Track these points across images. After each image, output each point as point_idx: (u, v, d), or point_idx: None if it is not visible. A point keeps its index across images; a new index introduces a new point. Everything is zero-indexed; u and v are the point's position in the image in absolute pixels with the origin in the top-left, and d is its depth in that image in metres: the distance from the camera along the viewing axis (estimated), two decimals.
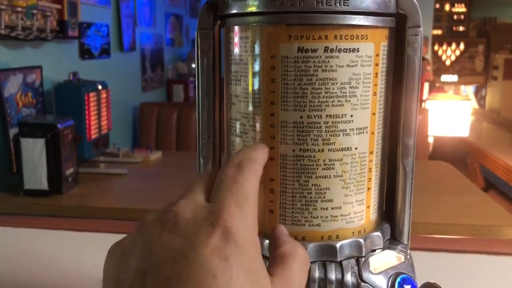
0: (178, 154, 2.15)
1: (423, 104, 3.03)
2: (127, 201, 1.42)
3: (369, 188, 0.34)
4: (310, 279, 0.32)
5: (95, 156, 1.71)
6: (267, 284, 0.24)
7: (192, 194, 0.26)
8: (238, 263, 0.22)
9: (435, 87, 4.02)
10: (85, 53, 1.98)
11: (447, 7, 5.00)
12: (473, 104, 4.03)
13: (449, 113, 2.93)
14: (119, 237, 0.77)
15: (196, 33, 0.36)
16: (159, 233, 0.24)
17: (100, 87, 1.72)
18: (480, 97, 4.36)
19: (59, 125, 1.33)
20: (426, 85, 3.78)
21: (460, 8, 5.00)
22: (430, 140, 3.04)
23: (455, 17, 5.02)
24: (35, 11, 1.48)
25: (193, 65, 3.20)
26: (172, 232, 0.23)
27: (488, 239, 1.05)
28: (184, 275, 0.22)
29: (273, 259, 0.26)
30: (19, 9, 1.40)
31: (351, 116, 0.32)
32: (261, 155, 0.29)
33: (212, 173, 0.28)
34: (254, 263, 0.23)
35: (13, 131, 1.37)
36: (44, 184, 1.33)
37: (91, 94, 1.65)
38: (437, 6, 4.79)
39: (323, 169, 0.32)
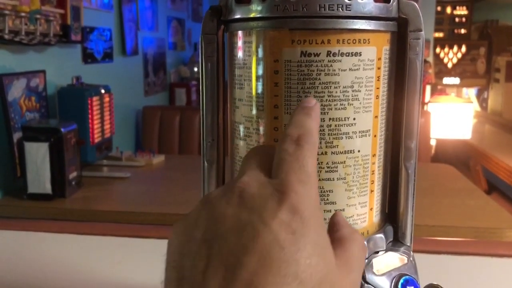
0: (180, 157, 2.15)
1: (425, 106, 3.03)
2: (130, 205, 1.42)
3: (372, 191, 0.35)
4: None
5: (98, 159, 1.72)
6: (332, 259, 0.24)
7: (252, 171, 0.26)
8: (305, 236, 0.23)
9: (437, 90, 4.02)
10: (88, 57, 1.99)
11: (448, 9, 5.00)
12: (475, 106, 4.03)
13: (451, 115, 2.93)
14: (123, 240, 0.77)
15: (200, 38, 0.36)
16: (224, 206, 0.24)
17: (103, 91, 1.72)
18: (482, 100, 4.35)
19: (62, 129, 1.34)
20: (428, 88, 3.78)
21: (462, 11, 5.00)
22: (433, 142, 3.04)
23: (456, 19, 5.02)
24: (38, 16, 1.49)
25: (195, 69, 3.21)
26: (239, 205, 0.24)
27: (491, 241, 1.05)
28: (251, 245, 0.22)
29: (331, 242, 0.26)
30: (23, 14, 1.41)
31: (354, 119, 0.32)
32: (316, 123, 0.28)
33: (268, 149, 0.28)
34: (320, 237, 0.24)
35: (17, 135, 1.38)
36: (47, 188, 1.33)
37: (94, 98, 1.66)
38: (439, 9, 4.80)
39: (326, 171, 0.32)
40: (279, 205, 0.23)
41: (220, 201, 0.24)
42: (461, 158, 3.10)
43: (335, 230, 0.27)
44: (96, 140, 1.68)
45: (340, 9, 0.31)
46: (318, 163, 0.32)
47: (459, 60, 4.54)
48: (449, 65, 4.55)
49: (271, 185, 0.24)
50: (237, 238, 0.22)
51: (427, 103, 3.08)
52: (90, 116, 1.63)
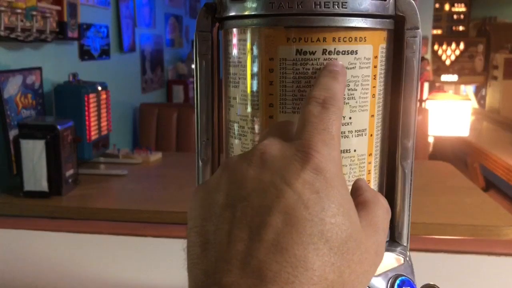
0: (178, 155, 2.15)
1: (423, 104, 3.03)
2: (127, 202, 1.42)
3: None
4: None
5: (95, 157, 1.72)
6: (357, 219, 0.24)
7: (273, 135, 0.26)
8: (329, 196, 0.22)
9: (435, 87, 4.02)
10: (84, 54, 1.98)
11: (447, 6, 5.00)
12: (473, 104, 4.03)
13: (449, 113, 2.93)
14: (119, 238, 0.77)
15: (194, 35, 0.36)
16: (246, 168, 0.24)
17: (100, 88, 1.72)
18: (480, 97, 4.36)
19: (59, 127, 1.33)
20: (426, 85, 3.78)
21: (460, 8, 5.00)
22: (430, 140, 3.04)
23: (455, 16, 5.02)
24: (34, 13, 1.48)
25: (193, 66, 3.19)
26: (260, 167, 0.23)
27: (488, 240, 1.05)
28: (275, 205, 0.22)
29: (355, 206, 0.26)
30: (19, 10, 1.40)
31: (350, 118, 0.32)
32: (343, 87, 0.28)
33: (288, 123, 0.28)
34: (344, 197, 0.23)
35: (13, 133, 1.37)
36: (44, 186, 1.33)
37: (91, 95, 1.65)
38: (437, 5, 4.79)
39: None
40: (302, 165, 0.23)
41: (241, 164, 0.24)
42: (459, 156, 3.10)
43: (358, 195, 0.27)
44: (93, 138, 1.67)
45: (336, 6, 0.30)
46: None
47: (457, 57, 4.54)
48: (447, 62, 4.56)
49: (293, 145, 0.24)
50: (261, 199, 0.22)
51: (425, 101, 3.08)
52: (86, 113, 1.62)
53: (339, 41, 0.31)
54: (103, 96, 1.74)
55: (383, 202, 0.27)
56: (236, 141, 0.35)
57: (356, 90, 0.32)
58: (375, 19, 0.32)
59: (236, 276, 0.21)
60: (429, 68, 4.12)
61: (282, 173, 0.23)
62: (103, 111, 1.75)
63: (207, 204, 0.24)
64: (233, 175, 0.24)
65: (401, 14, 0.33)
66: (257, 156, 0.24)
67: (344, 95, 0.32)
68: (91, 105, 1.65)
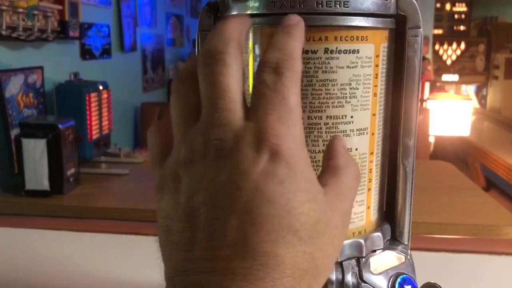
0: None
1: (424, 103, 3.03)
2: (128, 201, 1.42)
3: (369, 189, 0.34)
4: None
5: (96, 156, 1.72)
6: (323, 199, 0.23)
7: (226, 113, 0.22)
8: (294, 183, 0.21)
9: (436, 87, 4.01)
10: (86, 53, 1.99)
11: (448, 6, 4.99)
12: (474, 103, 4.03)
13: (450, 112, 2.93)
14: (120, 237, 0.77)
15: (196, 34, 0.36)
16: (203, 170, 0.22)
17: (101, 87, 1.72)
18: (481, 97, 4.35)
19: (60, 126, 1.34)
20: (427, 85, 3.78)
21: (461, 8, 5.00)
22: (431, 139, 3.04)
23: (456, 16, 5.02)
24: (36, 12, 1.48)
25: None
26: (218, 167, 0.22)
27: (489, 239, 1.05)
28: (240, 205, 0.21)
29: (326, 169, 0.25)
30: (20, 10, 1.41)
31: (351, 117, 0.32)
32: (299, 44, 0.24)
33: (236, 73, 0.24)
34: (308, 180, 0.22)
35: (14, 132, 1.37)
36: (45, 185, 1.33)
37: (92, 95, 1.65)
38: (438, 5, 4.79)
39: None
40: (258, 153, 0.21)
41: (199, 164, 0.22)
42: (460, 155, 3.10)
43: (330, 157, 0.25)
44: (94, 137, 1.68)
45: (337, 5, 0.30)
46: (315, 162, 0.32)
47: (458, 57, 4.54)
48: (448, 62, 4.55)
49: (248, 131, 0.22)
50: (222, 200, 0.21)
51: (425, 100, 3.08)
52: (88, 112, 1.63)
53: (341, 40, 0.31)
54: (104, 95, 1.75)
55: (355, 168, 0.25)
56: None
57: (357, 89, 0.32)
58: (376, 18, 0.32)
59: (205, 275, 0.20)
60: (430, 67, 4.12)
61: (240, 168, 0.21)
62: (104, 110, 1.75)
63: (171, 204, 0.23)
64: (193, 175, 0.22)
65: (403, 14, 0.34)
66: (212, 154, 0.22)
67: (346, 94, 0.32)
68: (93, 104, 1.65)
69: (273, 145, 0.21)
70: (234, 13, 0.34)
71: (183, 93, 0.25)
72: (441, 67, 4.53)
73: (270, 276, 0.20)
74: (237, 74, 0.24)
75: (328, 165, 0.25)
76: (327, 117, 0.32)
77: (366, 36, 0.32)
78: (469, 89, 4.52)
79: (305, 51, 0.31)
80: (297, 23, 0.25)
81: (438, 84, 4.21)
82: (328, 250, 0.22)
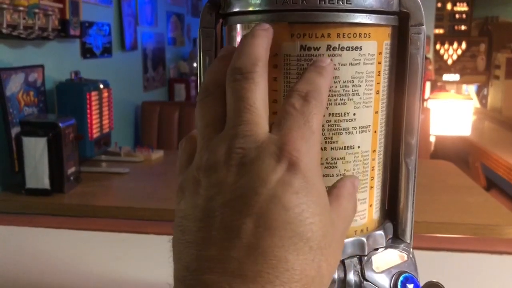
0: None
1: (424, 103, 3.03)
2: (129, 200, 1.42)
3: (371, 187, 0.34)
4: None
5: (97, 155, 1.72)
6: (331, 216, 0.25)
7: (251, 126, 0.24)
8: (308, 196, 0.23)
9: (436, 86, 4.01)
10: (86, 52, 1.99)
11: (449, 6, 4.99)
12: (475, 103, 4.03)
13: (451, 112, 2.92)
14: (121, 235, 0.77)
15: (198, 31, 0.36)
16: (225, 174, 0.23)
17: (101, 86, 1.72)
18: (482, 96, 4.35)
19: (61, 124, 1.34)
20: (428, 84, 3.78)
21: (462, 7, 4.99)
22: (432, 139, 3.04)
23: (457, 16, 5.01)
24: (37, 10, 1.48)
25: (195, 64, 3.20)
26: (239, 173, 0.23)
27: (490, 238, 1.05)
28: (256, 209, 0.22)
29: (329, 194, 0.26)
30: (21, 8, 1.40)
31: (354, 114, 0.32)
32: (327, 82, 0.27)
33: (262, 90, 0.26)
34: (321, 196, 0.24)
35: (15, 130, 1.37)
36: (46, 183, 1.33)
37: (93, 93, 1.65)
38: (439, 5, 4.79)
39: (325, 167, 0.32)
40: (280, 165, 0.23)
41: (221, 170, 0.24)
42: (461, 155, 3.10)
43: (337, 186, 0.28)
44: (95, 135, 1.68)
45: (340, 2, 0.30)
46: None
47: (459, 57, 4.53)
48: (449, 62, 4.55)
49: (271, 142, 0.24)
50: (241, 204, 0.22)
51: (426, 100, 3.08)
52: (88, 111, 1.62)
53: (343, 37, 0.31)
54: (105, 94, 1.75)
55: (354, 203, 0.28)
56: None
57: (360, 86, 0.32)
58: (379, 15, 0.32)
59: (216, 274, 0.21)
60: (431, 67, 4.12)
61: (261, 176, 0.23)
62: (105, 109, 1.75)
63: (190, 205, 0.24)
64: (213, 179, 0.24)
65: (406, 11, 0.33)
66: (235, 161, 0.23)
67: (348, 91, 0.32)
68: (93, 103, 1.65)
69: (293, 158, 0.23)
70: (236, 9, 0.33)
71: (208, 104, 0.27)
72: (442, 67, 4.53)
73: (279, 279, 0.21)
74: (264, 92, 0.26)
75: (332, 192, 0.27)
76: (329, 114, 0.31)
77: (369, 33, 0.32)
78: (470, 89, 4.52)
79: (308, 48, 0.31)
80: (328, 65, 0.28)
81: (439, 83, 4.20)
82: (331, 261, 0.24)
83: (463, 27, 5.00)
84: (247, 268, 0.21)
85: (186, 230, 0.23)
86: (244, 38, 0.28)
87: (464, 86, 4.54)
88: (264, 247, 0.21)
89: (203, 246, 0.22)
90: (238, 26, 0.34)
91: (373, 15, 0.31)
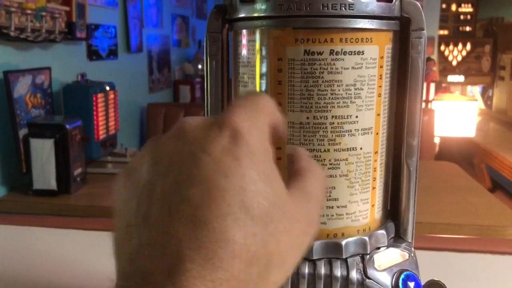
0: None
1: (429, 104, 3.03)
2: None
3: (374, 187, 0.35)
4: (316, 276, 0.33)
5: (103, 156, 1.73)
6: (281, 187, 0.22)
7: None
8: (251, 163, 0.21)
9: (441, 88, 4.01)
10: (93, 54, 2.00)
11: (453, 7, 4.98)
12: (480, 104, 4.02)
13: (456, 113, 2.92)
14: None
15: (205, 36, 0.37)
16: (164, 142, 0.22)
17: (107, 88, 1.73)
18: (487, 98, 4.34)
19: (67, 126, 1.35)
20: (432, 86, 3.77)
21: (467, 8, 4.98)
22: (436, 140, 3.04)
23: (461, 17, 5.00)
24: (44, 13, 1.50)
25: (200, 66, 3.21)
26: (179, 138, 0.22)
27: (494, 239, 1.06)
28: (194, 175, 0.20)
29: (289, 174, 0.25)
30: (29, 11, 1.42)
31: (356, 117, 0.33)
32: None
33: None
34: (267, 166, 0.22)
35: (22, 132, 1.39)
36: (52, 184, 1.34)
37: (99, 95, 1.67)
38: (444, 6, 4.78)
39: (328, 168, 0.33)
40: (220, 130, 0.21)
41: (161, 139, 0.23)
42: (465, 157, 3.09)
43: (293, 162, 0.26)
44: (101, 137, 1.69)
45: (343, 8, 0.31)
46: (321, 160, 0.33)
47: (463, 58, 4.52)
48: (454, 63, 4.54)
49: (214, 117, 0.23)
50: (179, 172, 0.21)
51: (431, 101, 3.07)
52: (95, 112, 1.64)
53: (346, 42, 0.32)
54: (111, 95, 1.76)
55: (317, 171, 0.25)
56: None
57: (362, 89, 0.33)
58: (381, 21, 0.33)
59: (155, 258, 0.19)
60: (435, 68, 4.11)
61: (201, 141, 0.21)
62: (111, 110, 1.76)
63: (129, 185, 0.22)
64: (154, 152, 0.22)
65: (407, 16, 0.34)
66: (177, 128, 0.22)
67: (351, 94, 0.32)
68: (99, 105, 1.66)
69: (236, 124, 0.21)
70: (242, 15, 0.34)
71: None
72: (446, 68, 4.52)
73: (218, 255, 0.19)
74: None
75: (291, 170, 0.25)
76: (332, 117, 0.32)
77: (371, 38, 0.33)
78: (475, 90, 4.50)
79: (311, 52, 0.32)
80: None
81: (443, 85, 4.20)
82: (285, 240, 0.21)
83: (467, 28, 4.99)
84: (186, 246, 0.19)
85: (125, 214, 0.22)
86: None
87: (469, 87, 4.52)
88: (203, 217, 0.19)
89: (143, 230, 0.20)
90: (244, 31, 0.35)
91: (375, 20, 0.32)
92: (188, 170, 0.20)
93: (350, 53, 0.32)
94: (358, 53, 0.32)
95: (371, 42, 0.33)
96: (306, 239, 0.23)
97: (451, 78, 4.43)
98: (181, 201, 0.20)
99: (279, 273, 0.21)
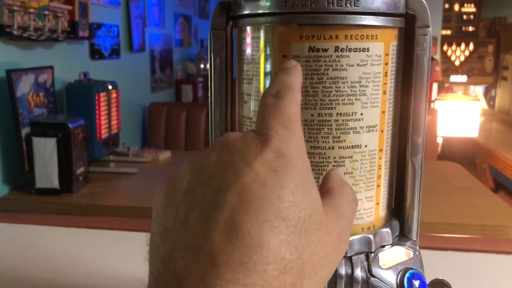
0: (187, 153, 2.16)
1: (432, 104, 3.02)
2: (137, 200, 1.43)
3: (378, 185, 0.35)
4: None
5: (105, 155, 1.73)
6: (318, 200, 0.23)
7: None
8: (288, 174, 0.22)
9: (444, 88, 4.00)
10: (95, 53, 2.00)
11: (456, 7, 4.97)
12: (483, 104, 4.01)
13: (458, 113, 2.91)
14: (129, 234, 0.78)
15: (209, 33, 0.36)
16: (208, 154, 0.23)
17: (110, 87, 1.73)
18: (489, 98, 4.33)
19: (70, 125, 1.35)
20: (435, 86, 3.76)
21: (470, 8, 4.97)
22: (439, 140, 3.03)
23: (464, 17, 4.99)
24: (47, 12, 1.50)
25: (202, 66, 3.21)
26: (221, 151, 0.23)
27: (497, 239, 1.05)
28: (233, 184, 0.21)
29: (321, 194, 0.25)
30: (32, 10, 1.42)
31: (361, 114, 0.33)
32: (297, 80, 0.27)
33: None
34: (305, 177, 0.23)
35: (25, 131, 1.39)
36: (55, 183, 1.34)
37: (102, 94, 1.67)
38: (447, 6, 4.77)
39: (333, 166, 0.33)
40: (262, 146, 0.22)
41: (204, 152, 0.24)
42: (468, 157, 3.09)
43: (324, 183, 0.26)
44: (103, 136, 1.69)
45: (348, 5, 0.31)
46: (325, 158, 0.33)
47: (466, 58, 4.51)
48: (457, 63, 4.53)
49: (253, 131, 0.24)
50: (219, 180, 0.22)
51: (434, 101, 3.07)
52: (97, 112, 1.64)
53: (351, 38, 0.32)
54: (114, 95, 1.76)
55: (348, 191, 0.26)
56: None
57: (367, 86, 0.33)
58: (386, 17, 0.33)
59: (189, 261, 0.20)
60: (438, 68, 4.10)
61: (242, 153, 0.22)
62: (113, 109, 1.76)
63: (170, 193, 0.23)
64: (196, 162, 0.23)
65: (412, 13, 0.34)
66: (219, 142, 0.24)
67: (356, 91, 0.32)
68: (102, 104, 1.66)
69: (275, 141, 0.23)
70: (246, 12, 0.34)
71: None
72: (449, 68, 4.51)
73: (252, 260, 0.20)
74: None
75: (322, 190, 0.26)
76: (337, 114, 0.32)
77: (376, 35, 0.32)
78: (478, 90, 4.49)
79: (316, 49, 0.32)
80: (294, 65, 0.28)
81: (446, 85, 4.19)
82: (318, 253, 0.22)
83: (470, 28, 4.98)
84: (220, 250, 0.20)
85: (163, 220, 0.23)
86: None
87: (472, 87, 4.51)
88: (239, 222, 0.20)
89: (179, 234, 0.21)
90: (248, 28, 0.35)
91: (380, 17, 0.32)
92: (228, 179, 0.21)
93: (355, 50, 0.32)
94: (363, 50, 0.32)
95: (376, 39, 0.32)
96: (338, 255, 0.23)
97: (453, 78, 4.42)
98: (218, 206, 0.21)
99: (311, 285, 0.22)
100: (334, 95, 0.32)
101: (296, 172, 0.22)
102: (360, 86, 0.32)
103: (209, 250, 0.20)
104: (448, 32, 4.93)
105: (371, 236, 0.34)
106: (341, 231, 0.24)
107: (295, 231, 0.21)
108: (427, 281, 0.35)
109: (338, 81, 0.32)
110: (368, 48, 0.32)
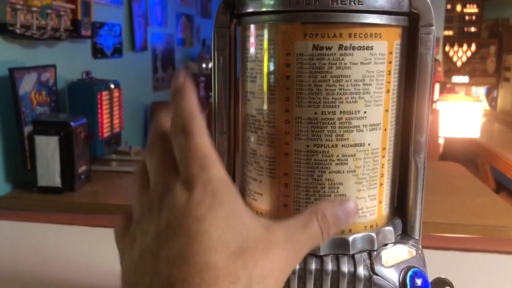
0: None
1: (433, 105, 3.02)
2: None
3: (381, 184, 0.35)
4: (323, 272, 0.33)
5: (107, 154, 1.73)
6: (254, 222, 0.26)
7: (161, 175, 0.28)
8: (220, 205, 0.25)
9: (446, 88, 3.99)
10: (97, 52, 2.00)
11: (458, 7, 4.96)
12: (484, 105, 4.00)
13: (460, 114, 2.91)
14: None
15: (213, 31, 0.36)
16: (149, 221, 0.27)
17: (112, 86, 1.73)
18: (491, 99, 4.32)
19: (72, 123, 1.35)
20: (437, 86, 3.76)
21: (472, 9, 4.97)
22: (441, 141, 3.03)
23: (466, 18, 4.99)
24: (49, 11, 1.50)
25: (204, 65, 3.21)
26: (159, 215, 0.26)
27: (499, 238, 1.05)
28: (175, 227, 0.25)
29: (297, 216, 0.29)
30: (34, 8, 1.42)
31: (365, 112, 0.33)
32: (193, 101, 0.28)
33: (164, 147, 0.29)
34: (235, 204, 0.26)
35: (27, 129, 1.39)
36: (57, 181, 1.34)
37: (104, 93, 1.67)
38: (449, 6, 4.76)
39: (336, 164, 0.33)
40: (190, 194, 0.25)
41: (146, 219, 0.27)
42: (469, 157, 3.08)
43: (308, 210, 0.29)
44: (105, 135, 1.69)
45: (352, 3, 0.31)
46: (328, 156, 0.33)
47: (468, 59, 4.50)
48: (459, 64, 4.52)
49: (178, 181, 0.26)
50: (166, 232, 0.25)
51: (435, 102, 3.06)
52: (99, 110, 1.64)
53: (355, 37, 0.32)
54: (116, 93, 1.76)
55: (315, 229, 0.28)
56: (253, 134, 0.36)
57: (371, 85, 0.33)
58: (390, 16, 0.33)
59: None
60: (440, 69, 4.10)
61: (177, 204, 0.25)
62: (116, 108, 1.76)
63: (123, 244, 0.30)
64: (143, 227, 0.27)
65: (416, 11, 0.34)
66: (155, 204, 0.27)
67: (359, 89, 0.32)
68: (104, 103, 1.67)
69: (199, 188, 0.25)
70: (250, 10, 0.34)
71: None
72: (451, 69, 4.50)
73: (204, 281, 0.23)
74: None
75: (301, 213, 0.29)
76: (340, 112, 0.32)
77: (380, 33, 0.32)
78: (480, 91, 4.49)
79: (320, 47, 0.32)
80: (183, 79, 0.29)
81: (448, 85, 4.18)
82: (262, 263, 0.25)
83: (473, 29, 4.97)
84: (175, 277, 0.23)
85: (134, 281, 0.26)
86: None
87: (474, 88, 4.51)
88: (188, 254, 0.24)
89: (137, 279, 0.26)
90: (252, 26, 0.35)
91: (384, 15, 0.32)
92: (172, 230, 0.25)
93: (359, 48, 0.32)
94: (367, 48, 0.32)
95: (380, 37, 0.32)
96: (287, 264, 0.26)
97: (455, 78, 4.42)
98: (167, 251, 0.24)
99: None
100: (337, 93, 0.32)
101: (225, 201, 0.26)
102: (364, 85, 0.32)
103: (165, 277, 0.24)
104: (450, 32, 4.92)
105: (374, 234, 0.34)
106: (296, 246, 0.27)
107: (238, 250, 0.25)
108: (429, 280, 0.35)
109: (341, 79, 0.32)
110: (372, 46, 0.32)
